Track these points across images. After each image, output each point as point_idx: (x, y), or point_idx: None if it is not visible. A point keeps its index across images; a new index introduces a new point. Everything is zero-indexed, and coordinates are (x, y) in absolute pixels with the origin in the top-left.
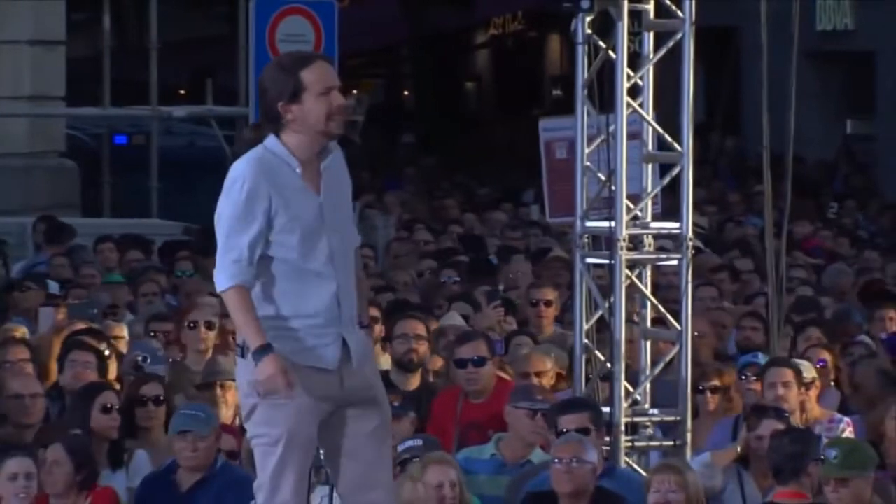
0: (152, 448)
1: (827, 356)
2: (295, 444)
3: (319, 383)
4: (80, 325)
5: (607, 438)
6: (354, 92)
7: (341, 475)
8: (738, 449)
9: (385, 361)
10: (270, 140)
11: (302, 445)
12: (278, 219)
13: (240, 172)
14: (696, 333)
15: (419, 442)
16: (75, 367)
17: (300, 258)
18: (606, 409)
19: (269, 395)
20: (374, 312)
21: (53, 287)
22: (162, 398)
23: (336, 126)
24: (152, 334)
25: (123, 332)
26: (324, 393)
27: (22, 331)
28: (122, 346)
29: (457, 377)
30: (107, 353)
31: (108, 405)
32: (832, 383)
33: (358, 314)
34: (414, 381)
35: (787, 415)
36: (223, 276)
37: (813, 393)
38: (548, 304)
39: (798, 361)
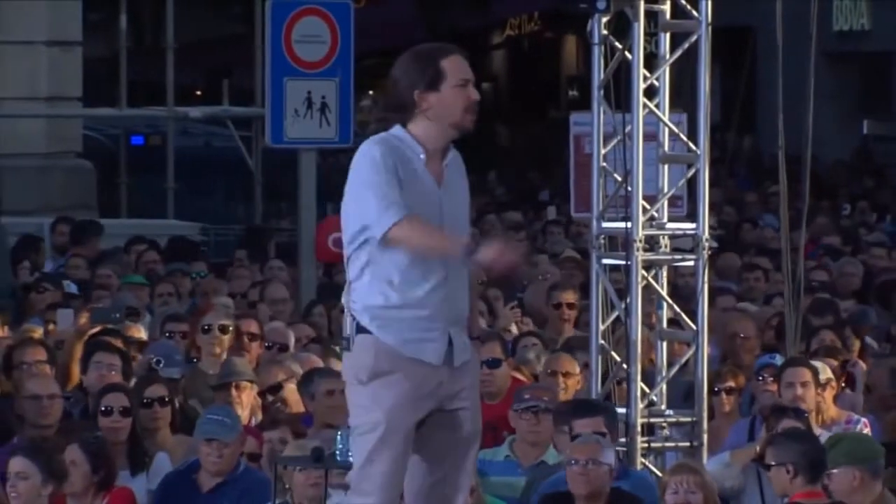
0: (159, 450)
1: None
2: (392, 431)
3: (422, 377)
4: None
5: (623, 439)
6: (371, 93)
7: (417, 482)
8: (757, 449)
9: None
10: (396, 129)
11: (399, 434)
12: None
13: (367, 148)
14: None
15: None
16: (100, 368)
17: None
18: (622, 410)
19: (504, 270)
20: None
21: (72, 288)
22: (167, 399)
23: (470, 120)
24: (168, 335)
25: (141, 333)
26: (426, 388)
27: (39, 332)
28: (140, 348)
29: None
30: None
31: (108, 407)
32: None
33: (468, 324)
34: None
35: (805, 415)
36: (386, 218)
37: (829, 394)
38: (570, 306)
39: (814, 362)
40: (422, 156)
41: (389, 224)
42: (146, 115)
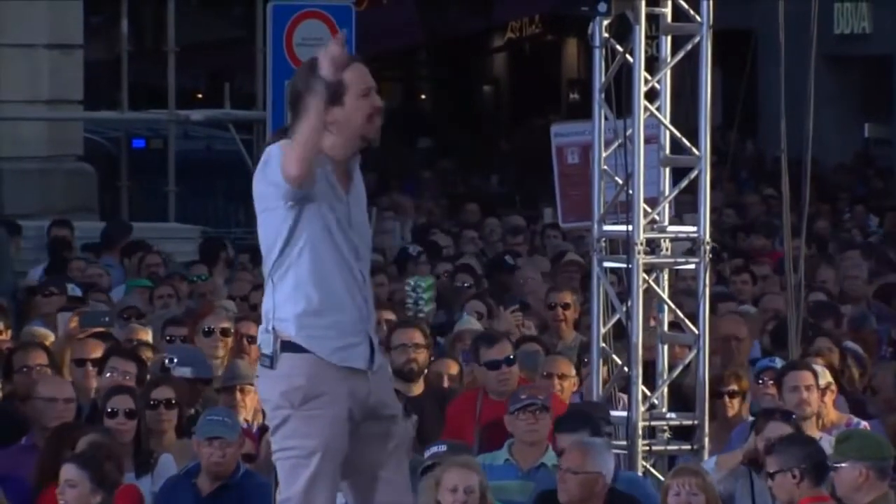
0: (165, 451)
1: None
2: (330, 457)
3: (352, 388)
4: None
5: (624, 442)
6: None
7: (364, 495)
8: (742, 454)
9: None
10: None
11: (336, 458)
12: (313, 204)
13: (277, 147)
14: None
15: (443, 448)
16: (115, 374)
17: (333, 251)
18: (623, 414)
19: (340, 63)
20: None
21: (76, 291)
22: (174, 401)
23: (374, 128)
24: (168, 338)
25: (147, 335)
26: (355, 399)
27: (44, 335)
28: (147, 350)
29: (486, 379)
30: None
31: (114, 409)
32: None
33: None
34: (417, 388)
35: (793, 417)
36: (276, 170)
37: (829, 397)
38: (566, 307)
39: (814, 365)
40: (329, 167)
41: (280, 165)
42: (147, 119)
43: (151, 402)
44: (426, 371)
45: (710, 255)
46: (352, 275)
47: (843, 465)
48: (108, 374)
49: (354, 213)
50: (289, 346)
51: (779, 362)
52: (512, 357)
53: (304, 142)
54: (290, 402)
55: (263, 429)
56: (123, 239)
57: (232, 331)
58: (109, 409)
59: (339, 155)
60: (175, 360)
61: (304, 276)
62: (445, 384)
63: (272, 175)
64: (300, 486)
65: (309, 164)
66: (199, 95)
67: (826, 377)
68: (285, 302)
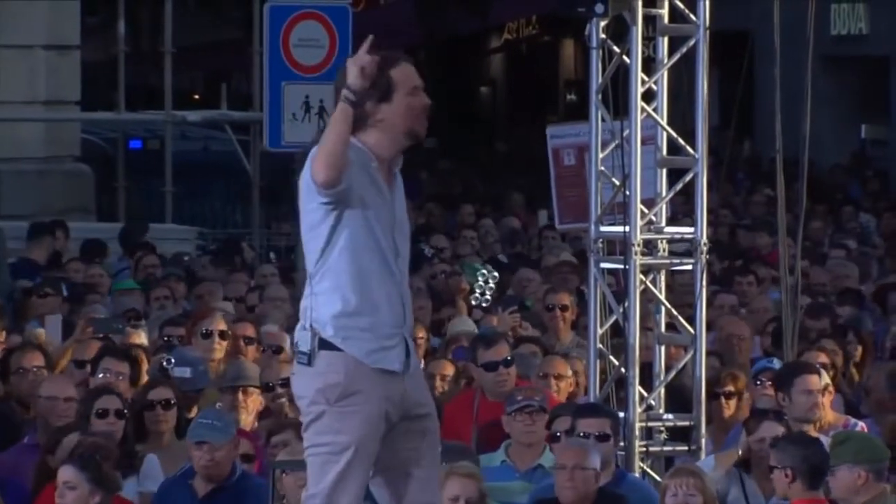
0: (162, 452)
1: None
2: (361, 455)
3: (387, 390)
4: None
5: (621, 443)
6: None
7: (396, 493)
8: (739, 452)
9: None
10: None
11: (367, 457)
12: (354, 203)
13: (316, 148)
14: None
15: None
16: (108, 375)
17: (373, 251)
18: (620, 414)
19: (372, 69)
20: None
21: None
22: (172, 402)
23: (422, 126)
24: (166, 339)
25: (142, 338)
26: (391, 402)
27: (41, 336)
28: (142, 353)
29: (483, 380)
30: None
31: (104, 410)
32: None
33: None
34: None
35: (785, 417)
36: (307, 170)
37: (827, 399)
38: (564, 308)
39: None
40: (374, 164)
41: (309, 169)
42: (144, 119)
43: (150, 403)
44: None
45: (707, 256)
46: (391, 276)
47: (840, 467)
48: (100, 375)
49: (397, 211)
50: (326, 344)
51: (776, 363)
52: (510, 358)
53: (330, 150)
54: (325, 399)
55: (269, 433)
56: (141, 238)
57: (229, 333)
58: (99, 410)
59: (385, 152)
60: (173, 361)
61: (342, 277)
62: (439, 386)
63: (307, 176)
64: (328, 482)
65: (336, 169)
66: (196, 96)
67: (825, 378)
68: (323, 302)
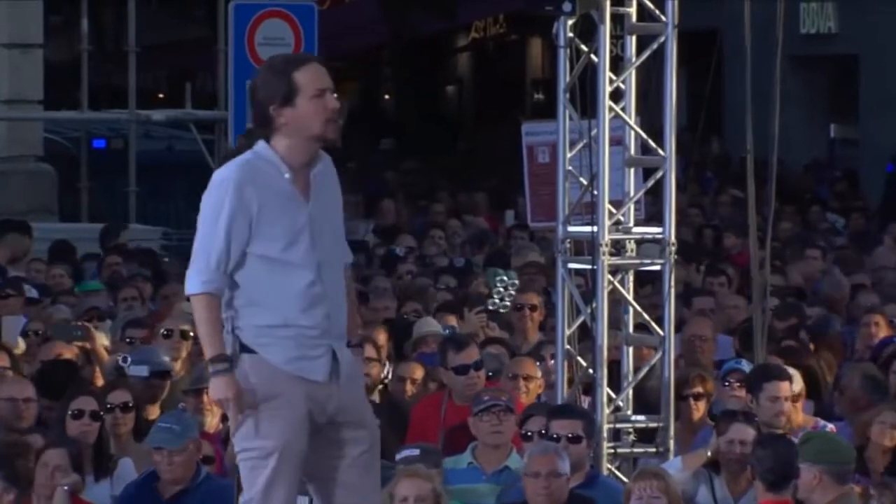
0: (123, 455)
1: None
2: (287, 458)
3: (309, 391)
4: (63, 347)
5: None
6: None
7: (326, 500)
8: (709, 453)
9: None
10: (261, 145)
11: (294, 459)
12: (265, 226)
13: (225, 175)
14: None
15: (415, 452)
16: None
17: (289, 267)
18: None
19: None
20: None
21: (32, 293)
22: (130, 405)
23: (331, 130)
24: (128, 340)
25: (104, 340)
26: (314, 401)
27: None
28: (104, 354)
29: (453, 383)
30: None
31: (78, 410)
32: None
33: (348, 331)
34: (374, 397)
35: (755, 419)
36: (195, 281)
37: (799, 402)
38: (532, 308)
39: (790, 371)
40: (287, 175)
41: (191, 290)
42: (108, 119)
43: (109, 406)
44: (384, 383)
45: (675, 257)
46: (311, 286)
47: (801, 466)
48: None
49: (317, 220)
50: (247, 349)
51: (745, 364)
52: (480, 361)
53: (196, 320)
54: (246, 402)
55: (227, 435)
56: (116, 239)
57: (191, 333)
58: (74, 412)
59: (296, 160)
60: (129, 360)
61: (257, 294)
62: (409, 389)
63: (193, 257)
64: (259, 487)
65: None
66: (161, 95)
67: (799, 382)
68: (244, 315)
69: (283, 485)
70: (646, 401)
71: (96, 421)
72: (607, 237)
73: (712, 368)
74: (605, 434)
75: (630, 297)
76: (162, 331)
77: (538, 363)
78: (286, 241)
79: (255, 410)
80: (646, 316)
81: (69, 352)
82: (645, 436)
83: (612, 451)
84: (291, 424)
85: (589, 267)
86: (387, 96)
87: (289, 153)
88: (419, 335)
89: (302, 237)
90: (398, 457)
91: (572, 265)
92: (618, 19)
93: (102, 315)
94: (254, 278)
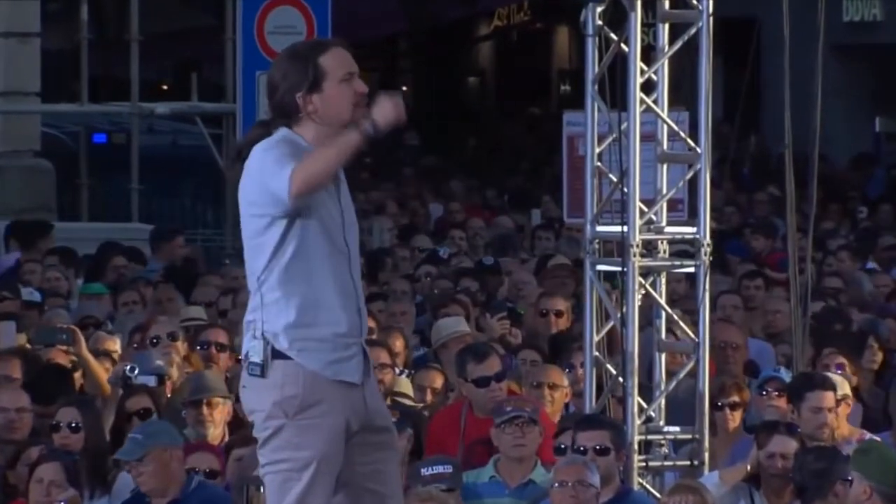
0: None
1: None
2: (324, 470)
3: (348, 401)
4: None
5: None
6: None
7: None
8: (749, 467)
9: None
10: (286, 132)
11: (330, 472)
12: (307, 210)
13: (272, 140)
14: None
15: (449, 468)
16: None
17: (327, 257)
18: None
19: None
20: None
21: (35, 296)
22: (150, 410)
23: (360, 114)
24: (135, 346)
25: (116, 345)
26: (353, 411)
27: None
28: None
29: (474, 396)
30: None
31: (59, 423)
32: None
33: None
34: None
35: (798, 430)
36: (281, 176)
37: (843, 409)
38: (558, 314)
39: (833, 378)
40: None
41: (286, 178)
42: (109, 112)
43: (126, 414)
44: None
45: (710, 258)
46: (345, 283)
47: (852, 475)
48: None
49: (346, 213)
50: (281, 354)
51: (784, 372)
52: (502, 372)
53: (321, 171)
54: (284, 412)
55: (229, 446)
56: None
57: (180, 335)
58: (53, 423)
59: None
60: (136, 370)
61: (295, 285)
62: (429, 399)
63: (272, 184)
64: (290, 502)
65: (315, 190)
66: (165, 87)
67: (844, 388)
68: (275, 313)
69: (317, 501)
70: (675, 410)
71: (77, 433)
72: (638, 237)
73: (744, 376)
74: (635, 446)
75: (662, 301)
76: (150, 338)
77: (567, 371)
78: (325, 231)
79: (292, 420)
80: (679, 321)
81: (63, 357)
82: (675, 447)
83: (644, 464)
84: (330, 434)
85: (619, 269)
86: (405, 88)
87: (317, 139)
88: (443, 339)
89: (337, 228)
90: (425, 472)
91: (601, 267)
92: (649, 6)
93: (98, 323)
94: (291, 268)
